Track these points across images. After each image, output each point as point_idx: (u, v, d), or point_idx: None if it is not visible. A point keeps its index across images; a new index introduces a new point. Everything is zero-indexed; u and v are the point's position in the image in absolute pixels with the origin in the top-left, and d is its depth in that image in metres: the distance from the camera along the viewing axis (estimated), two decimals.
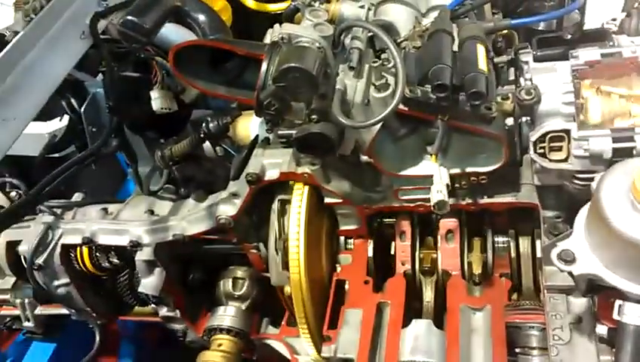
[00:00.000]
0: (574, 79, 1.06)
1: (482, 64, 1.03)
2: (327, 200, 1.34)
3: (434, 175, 1.07)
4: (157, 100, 1.54)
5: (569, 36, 1.16)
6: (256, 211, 1.42)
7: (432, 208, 1.06)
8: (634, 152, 0.99)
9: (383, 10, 1.32)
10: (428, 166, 1.22)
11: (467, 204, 1.28)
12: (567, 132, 1.05)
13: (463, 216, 1.35)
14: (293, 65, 0.97)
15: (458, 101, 1.05)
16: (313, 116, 1.05)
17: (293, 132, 1.08)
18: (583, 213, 0.89)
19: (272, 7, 1.89)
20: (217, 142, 1.45)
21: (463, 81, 1.02)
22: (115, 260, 1.56)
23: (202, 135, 1.41)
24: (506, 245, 1.37)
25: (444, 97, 1.02)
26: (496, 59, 1.22)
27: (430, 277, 1.36)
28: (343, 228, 1.41)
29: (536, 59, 1.19)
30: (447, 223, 1.33)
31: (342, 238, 1.44)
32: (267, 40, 1.16)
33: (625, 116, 1.03)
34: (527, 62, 1.17)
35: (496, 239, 1.37)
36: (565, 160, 1.07)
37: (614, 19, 1.64)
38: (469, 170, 1.21)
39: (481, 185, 1.24)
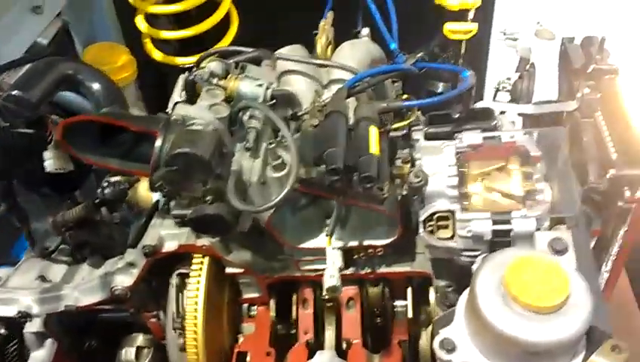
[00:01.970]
0: (458, 161, 1.12)
1: (374, 147, 1.07)
2: (228, 269, 1.32)
3: (327, 258, 1.09)
4: (50, 161, 1.46)
5: (457, 115, 1.23)
6: (156, 278, 1.38)
7: (325, 292, 1.07)
8: (511, 234, 1.06)
9: (285, 81, 1.34)
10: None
11: (366, 273, 1.31)
12: (453, 213, 1.10)
13: (365, 283, 1.37)
14: (184, 150, 0.96)
15: (352, 182, 1.08)
16: (208, 197, 1.04)
17: (188, 212, 1.06)
18: (463, 299, 0.93)
19: (180, 61, 1.88)
20: (114, 208, 1.39)
21: (356, 163, 1.05)
22: (3, 330, 1.45)
23: (97, 200, 1.36)
24: (404, 309, 1.40)
25: (337, 180, 1.04)
26: (392, 134, 1.28)
27: None
28: (245, 296, 1.40)
29: (428, 137, 1.26)
30: (348, 291, 1.35)
31: (245, 305, 1.43)
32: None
33: (506, 198, 1.10)
34: (418, 140, 1.23)
35: (395, 303, 1.40)
36: (452, 238, 1.12)
37: (509, 78, 1.77)
38: (366, 243, 1.23)
39: (379, 255, 1.28)
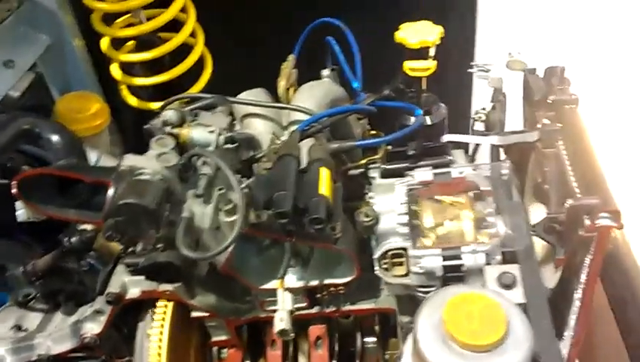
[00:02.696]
0: (410, 198, 1.13)
1: (324, 188, 1.08)
2: (193, 313, 1.33)
3: (278, 301, 1.09)
4: (22, 211, 1.48)
5: (411, 152, 1.24)
6: (127, 324, 1.39)
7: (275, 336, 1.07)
8: (462, 269, 1.06)
9: (247, 124, 1.37)
10: (292, 278, 1.25)
11: (331, 311, 1.31)
12: (405, 250, 1.11)
13: (334, 321, 1.37)
14: (129, 200, 0.98)
15: (303, 223, 1.09)
16: (159, 245, 1.05)
17: (141, 260, 1.07)
18: (409, 339, 0.93)
19: (156, 106, 1.91)
20: (81, 255, 1.41)
21: (306, 205, 1.07)
22: None
23: (64, 249, 1.38)
24: (376, 346, 1.40)
25: (286, 223, 1.05)
26: (350, 172, 1.30)
27: None
28: (214, 339, 1.40)
29: (385, 173, 1.27)
30: (316, 329, 1.35)
31: (215, 348, 1.43)
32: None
33: (457, 234, 1.10)
34: (374, 178, 1.24)
35: (365, 340, 1.40)
36: (406, 275, 1.12)
37: (484, 109, 1.78)
38: (327, 281, 1.24)
39: (344, 293, 1.28)
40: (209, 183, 1.10)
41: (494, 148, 1.59)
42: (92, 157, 1.76)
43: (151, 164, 1.04)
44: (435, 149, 1.27)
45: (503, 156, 1.72)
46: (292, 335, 1.08)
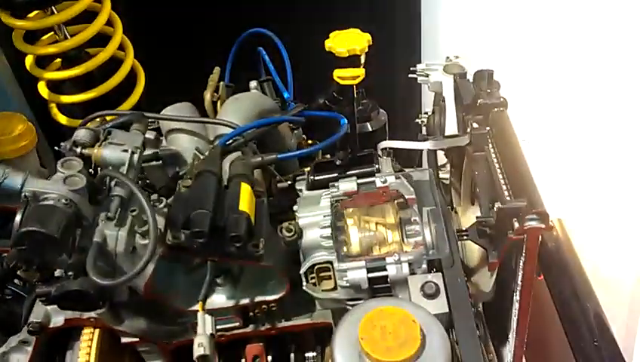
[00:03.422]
0: (335, 210, 1.11)
1: (243, 205, 1.05)
2: (123, 339, 1.27)
3: (198, 325, 1.05)
4: None
5: (339, 162, 1.22)
6: (59, 351, 1.32)
7: None
8: (388, 280, 1.04)
9: (171, 139, 1.33)
10: (222, 297, 1.21)
11: (266, 329, 1.27)
12: (331, 263, 1.08)
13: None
14: (30, 229, 0.93)
15: (224, 242, 1.05)
16: (70, 273, 1.00)
17: (52, 289, 1.02)
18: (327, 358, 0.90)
19: None
20: (4, 284, 1.34)
21: (226, 222, 1.03)
22: None
23: None
24: (317, 360, 1.37)
25: (205, 243, 1.01)
26: (279, 185, 1.27)
27: None
28: None
29: (313, 184, 1.24)
30: (253, 348, 1.31)
31: None
32: None
33: (382, 244, 1.08)
34: (301, 190, 1.22)
35: (307, 355, 1.37)
36: (335, 288, 1.10)
37: (427, 113, 1.78)
38: (257, 299, 1.20)
39: (278, 309, 1.25)
40: (122, 205, 1.05)
41: (431, 153, 1.59)
42: (18, 180, 1.69)
43: (56, 187, 0.99)
44: (363, 158, 1.25)
45: (443, 160, 1.72)
46: (213, 360, 1.04)
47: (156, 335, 1.28)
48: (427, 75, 1.73)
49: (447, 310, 0.97)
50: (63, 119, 1.83)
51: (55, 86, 1.82)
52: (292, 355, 1.33)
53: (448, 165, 1.71)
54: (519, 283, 1.36)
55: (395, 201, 1.09)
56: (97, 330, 1.23)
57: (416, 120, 1.78)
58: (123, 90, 1.87)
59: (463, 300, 1.01)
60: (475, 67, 1.68)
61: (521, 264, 1.33)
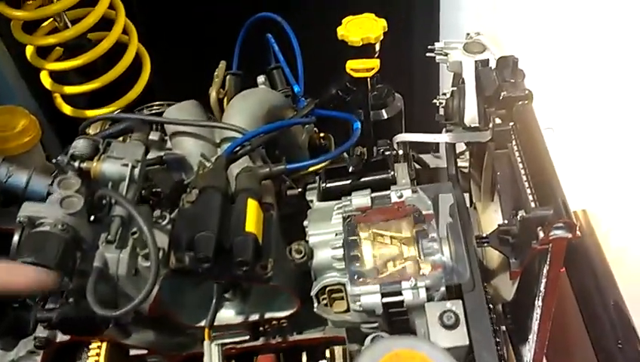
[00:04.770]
0: (348, 227, 1.04)
1: (250, 224, 0.99)
2: (132, 352, 1.25)
3: (205, 356, 1.00)
4: None
5: (351, 168, 1.14)
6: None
7: None
8: (404, 305, 0.97)
9: (175, 143, 1.26)
10: (230, 312, 1.17)
11: (277, 342, 1.23)
12: (344, 285, 1.02)
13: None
14: (27, 260, 0.88)
15: (231, 266, 0.99)
16: (70, 299, 0.95)
17: (53, 316, 0.98)
18: None
19: (91, 114, 1.79)
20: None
21: (232, 245, 0.97)
22: None
23: None
24: None
25: (209, 268, 0.96)
26: (289, 192, 1.20)
27: None
28: None
29: (325, 192, 1.17)
30: (264, 359, 1.27)
31: None
32: None
33: (397, 259, 1.01)
34: (312, 202, 1.15)
35: None
36: (347, 310, 1.04)
37: (444, 94, 1.67)
38: (267, 315, 1.16)
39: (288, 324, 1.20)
40: (123, 225, 1.00)
41: (449, 145, 1.49)
42: (22, 178, 1.65)
43: (52, 211, 0.94)
44: (377, 163, 1.17)
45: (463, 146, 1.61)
46: None
47: (165, 347, 1.25)
48: (446, 54, 1.62)
49: (467, 342, 0.90)
50: (67, 109, 1.77)
51: (58, 76, 1.75)
52: None
53: (467, 153, 1.61)
54: (541, 290, 1.29)
55: (412, 217, 1.02)
56: (105, 344, 1.21)
57: (434, 100, 1.67)
58: (129, 77, 1.79)
59: (484, 325, 0.95)
60: (498, 46, 1.56)
61: (545, 271, 1.26)
